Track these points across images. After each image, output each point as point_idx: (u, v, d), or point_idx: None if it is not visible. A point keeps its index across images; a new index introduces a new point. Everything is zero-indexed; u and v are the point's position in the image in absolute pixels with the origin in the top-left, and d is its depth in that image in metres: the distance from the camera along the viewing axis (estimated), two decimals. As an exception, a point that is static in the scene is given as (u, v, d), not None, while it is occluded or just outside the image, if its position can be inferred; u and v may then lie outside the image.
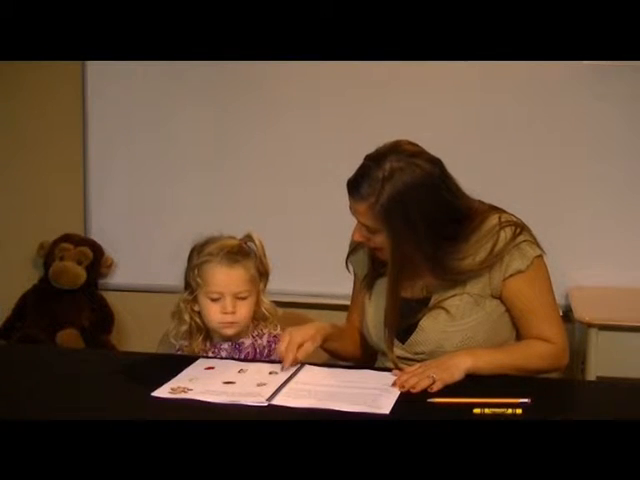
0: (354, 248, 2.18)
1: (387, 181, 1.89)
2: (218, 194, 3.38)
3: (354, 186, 1.94)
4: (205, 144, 3.38)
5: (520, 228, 2.02)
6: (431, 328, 2.00)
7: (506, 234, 1.99)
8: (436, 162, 1.95)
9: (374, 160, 1.93)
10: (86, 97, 3.43)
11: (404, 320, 2.03)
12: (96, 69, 3.38)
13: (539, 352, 1.98)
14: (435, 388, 1.80)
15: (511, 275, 1.97)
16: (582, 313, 2.80)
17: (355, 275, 2.21)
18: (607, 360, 2.74)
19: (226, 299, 2.05)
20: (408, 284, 2.05)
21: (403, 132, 2.04)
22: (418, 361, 1.98)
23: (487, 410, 1.64)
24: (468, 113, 3.15)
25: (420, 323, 2.02)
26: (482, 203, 2.06)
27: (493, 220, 2.01)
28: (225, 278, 2.06)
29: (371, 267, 2.12)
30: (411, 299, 2.06)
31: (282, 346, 1.94)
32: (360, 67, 3.03)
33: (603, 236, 3.11)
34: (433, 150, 2.00)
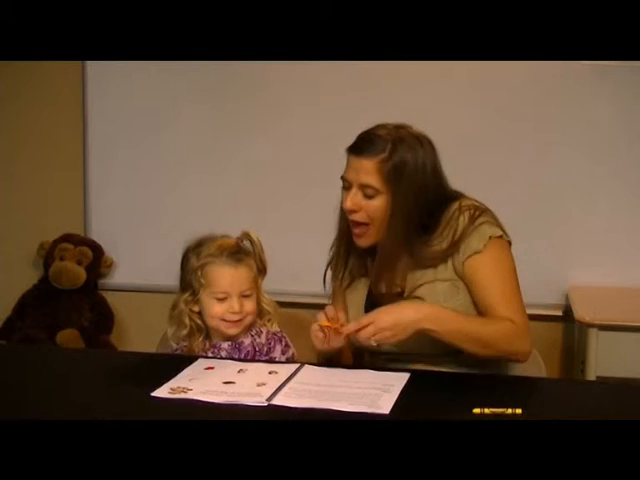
0: (331, 259, 2.18)
1: (398, 141, 1.96)
2: (218, 194, 3.38)
3: (365, 142, 1.97)
4: (205, 144, 3.38)
5: (480, 211, 2.02)
6: None
7: (464, 217, 2.00)
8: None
9: (376, 127, 2.00)
10: (86, 97, 3.43)
11: None
12: (96, 69, 3.38)
13: (502, 330, 1.93)
14: (375, 342, 1.85)
15: (469, 256, 1.98)
16: (582, 313, 2.80)
17: (335, 282, 2.19)
18: (607, 360, 2.74)
19: (233, 298, 2.06)
20: (385, 280, 2.07)
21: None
22: (401, 354, 2.00)
23: (487, 410, 1.64)
24: (468, 113, 3.15)
25: None
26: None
27: (454, 206, 2.03)
28: (231, 277, 2.06)
29: (351, 267, 2.12)
30: (388, 294, 2.07)
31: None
32: (360, 67, 3.04)
33: (603, 236, 3.11)
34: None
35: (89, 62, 3.38)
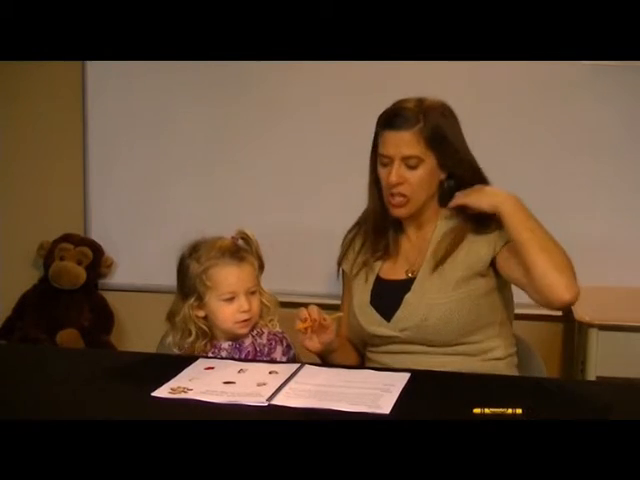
0: (345, 251, 2.23)
1: (428, 110, 2.08)
2: (218, 194, 3.37)
3: (398, 117, 2.05)
4: (205, 144, 3.38)
5: None
6: (416, 301, 2.05)
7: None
8: None
9: (399, 103, 2.12)
10: (86, 97, 3.43)
11: (388, 298, 2.09)
12: (96, 69, 3.38)
13: (565, 255, 1.99)
14: (454, 202, 2.04)
15: (502, 246, 2.04)
16: (582, 313, 2.80)
17: (345, 277, 2.24)
18: (607, 360, 2.74)
19: (240, 297, 2.06)
20: (391, 267, 2.13)
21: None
22: (403, 339, 2.04)
23: (487, 410, 1.64)
24: (467, 113, 3.13)
25: (405, 298, 2.07)
26: None
27: None
28: (236, 277, 2.07)
29: (366, 252, 2.17)
30: (396, 280, 2.11)
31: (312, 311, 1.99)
32: (360, 67, 3.03)
33: (603, 236, 3.11)
34: (433, 150, 2.02)
35: (89, 62, 3.38)
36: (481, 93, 3.15)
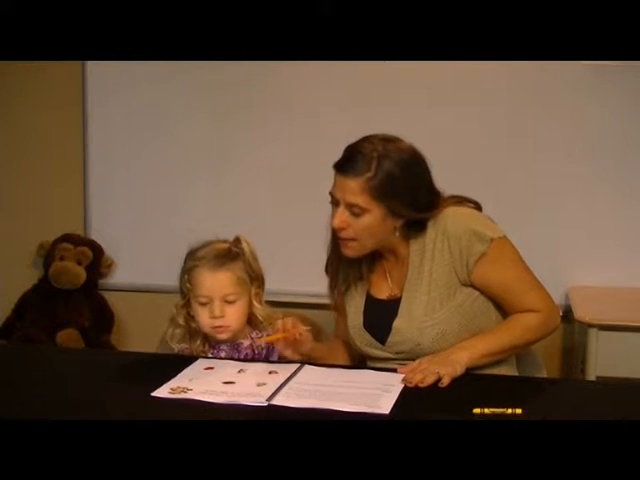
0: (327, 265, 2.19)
1: (383, 157, 1.94)
2: (218, 194, 3.38)
3: (348, 162, 1.97)
4: (205, 144, 3.38)
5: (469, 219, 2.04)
6: (405, 328, 2.02)
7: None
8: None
9: (362, 142, 1.99)
10: (86, 97, 3.43)
11: (379, 321, 2.06)
12: (96, 69, 3.38)
13: (528, 326, 2.00)
14: (445, 383, 1.82)
15: (476, 261, 1.98)
16: (582, 313, 2.80)
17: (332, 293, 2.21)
18: (607, 360, 2.74)
19: (214, 303, 2.05)
20: (377, 285, 2.09)
21: (403, 133, 2.05)
22: (400, 360, 2.01)
23: (487, 410, 1.64)
24: (468, 113, 3.15)
25: (394, 325, 2.03)
26: (448, 198, 2.08)
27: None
28: (211, 282, 2.05)
29: (346, 273, 2.13)
30: (382, 300, 2.08)
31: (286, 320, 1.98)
32: (360, 67, 3.04)
33: (603, 236, 3.11)
34: (432, 150, 2.01)
35: (89, 62, 3.38)
36: (480, 93, 3.14)
